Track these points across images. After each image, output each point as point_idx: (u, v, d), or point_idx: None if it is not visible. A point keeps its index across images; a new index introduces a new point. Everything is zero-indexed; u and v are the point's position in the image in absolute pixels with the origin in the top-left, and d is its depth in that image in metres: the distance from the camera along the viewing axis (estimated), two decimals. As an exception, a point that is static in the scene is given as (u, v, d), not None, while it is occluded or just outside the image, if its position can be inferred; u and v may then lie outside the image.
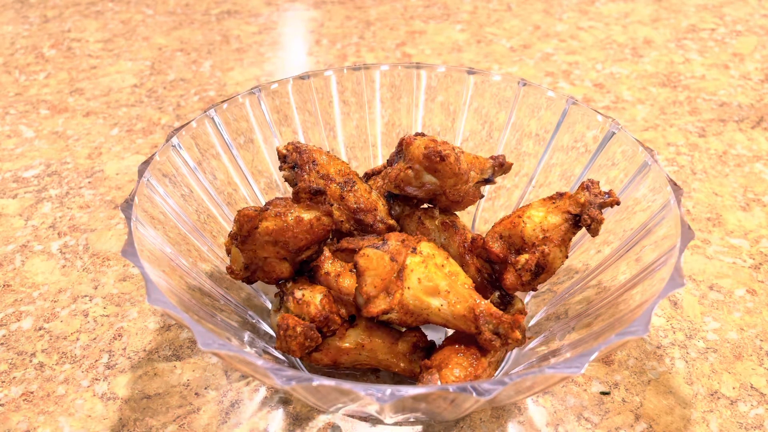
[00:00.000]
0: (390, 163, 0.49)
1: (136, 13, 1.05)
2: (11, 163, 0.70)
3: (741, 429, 0.44)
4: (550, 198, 0.45)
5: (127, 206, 0.39)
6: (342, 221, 0.47)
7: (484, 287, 0.46)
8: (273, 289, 0.50)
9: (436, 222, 0.48)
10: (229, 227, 0.50)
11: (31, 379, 0.47)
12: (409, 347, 0.43)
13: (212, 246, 0.47)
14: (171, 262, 0.40)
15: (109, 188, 0.66)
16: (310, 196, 0.43)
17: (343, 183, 0.47)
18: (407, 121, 0.59)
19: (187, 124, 0.48)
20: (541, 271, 0.43)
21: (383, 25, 0.98)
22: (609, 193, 0.43)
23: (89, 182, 0.67)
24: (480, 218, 0.58)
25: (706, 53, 0.92)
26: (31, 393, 0.46)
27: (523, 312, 0.45)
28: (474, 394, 0.29)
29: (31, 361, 0.48)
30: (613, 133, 0.49)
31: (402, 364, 0.43)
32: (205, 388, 0.46)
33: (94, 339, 0.50)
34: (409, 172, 0.44)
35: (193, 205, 0.47)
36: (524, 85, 0.54)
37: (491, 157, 0.47)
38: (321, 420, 0.44)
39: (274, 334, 0.46)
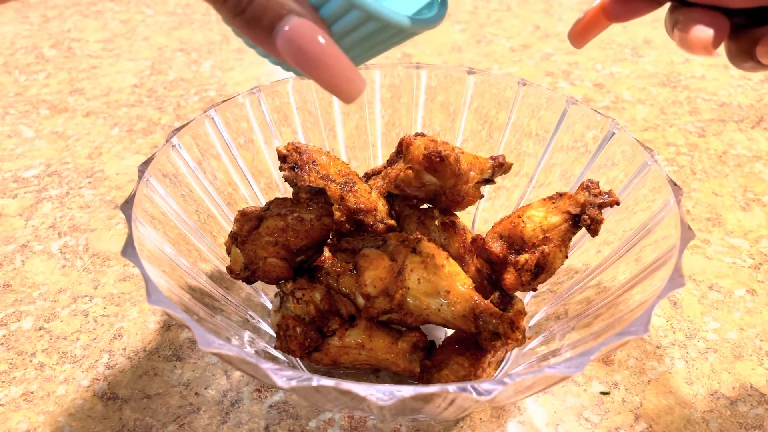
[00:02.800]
0: (390, 163, 0.49)
1: (136, 13, 1.05)
2: (11, 163, 0.70)
3: (741, 429, 0.44)
4: (550, 198, 0.45)
5: (127, 206, 0.39)
6: (342, 221, 0.47)
7: (484, 287, 0.46)
8: (273, 289, 0.50)
9: (436, 222, 0.48)
10: (229, 227, 0.50)
11: (31, 379, 0.47)
12: (409, 347, 0.43)
13: (212, 246, 0.47)
14: (171, 262, 0.40)
15: (109, 188, 0.66)
16: (310, 196, 0.43)
17: (343, 183, 0.47)
18: (407, 121, 0.59)
19: (187, 124, 0.48)
20: (541, 271, 0.43)
21: (383, 25, 0.98)
22: (609, 193, 0.43)
23: (89, 182, 0.67)
24: (480, 218, 0.58)
25: (706, 53, 0.92)
26: (31, 393, 0.46)
27: (523, 312, 0.45)
28: (474, 394, 0.29)
29: (31, 361, 0.48)
30: (613, 133, 0.49)
31: (402, 364, 0.43)
32: (205, 388, 0.46)
33: (94, 339, 0.50)
34: (409, 172, 0.44)
35: (193, 205, 0.47)
36: (524, 85, 0.54)
37: (491, 157, 0.47)
38: (321, 420, 0.44)
39: (274, 334, 0.46)
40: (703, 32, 0.31)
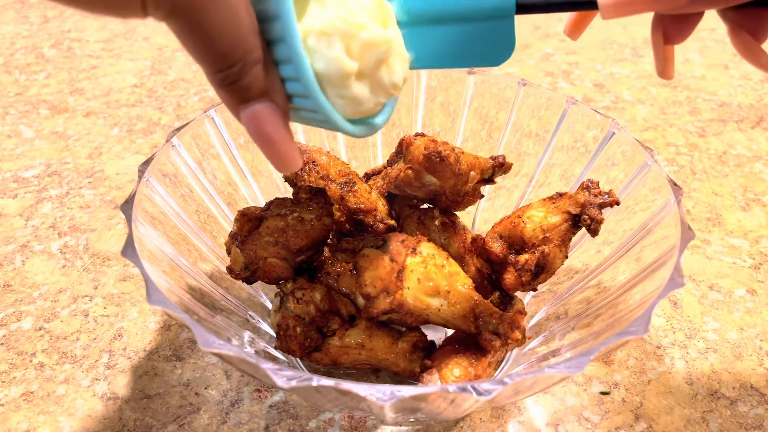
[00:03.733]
0: (390, 163, 0.49)
1: (136, 13, 1.05)
2: (11, 163, 0.70)
3: (741, 429, 0.44)
4: (550, 198, 0.45)
5: (127, 206, 0.39)
6: (342, 221, 0.47)
7: (484, 287, 0.46)
8: (273, 289, 0.50)
9: (436, 222, 0.47)
10: (229, 227, 0.50)
11: (32, 379, 0.47)
12: (409, 347, 0.43)
13: (212, 246, 0.47)
14: (171, 262, 0.40)
15: (109, 188, 0.66)
16: (310, 196, 0.43)
17: (343, 183, 0.47)
18: (407, 121, 0.59)
19: (187, 124, 0.48)
20: (541, 271, 0.43)
21: (383, 25, 0.98)
22: (609, 193, 0.43)
23: (89, 182, 0.67)
24: (480, 218, 0.58)
25: (706, 53, 0.92)
26: (32, 393, 0.46)
27: (522, 312, 0.45)
28: (474, 394, 0.29)
29: (31, 361, 0.48)
30: (613, 133, 0.49)
31: (402, 364, 0.43)
32: (205, 388, 0.46)
33: (94, 339, 0.50)
34: (410, 172, 0.44)
35: (193, 205, 0.47)
36: (524, 85, 0.54)
37: (491, 157, 0.47)
38: (321, 420, 0.44)
39: (274, 334, 0.46)
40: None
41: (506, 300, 0.46)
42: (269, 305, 0.50)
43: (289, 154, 0.31)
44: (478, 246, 0.46)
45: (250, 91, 0.29)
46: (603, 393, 0.46)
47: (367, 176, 0.53)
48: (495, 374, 0.43)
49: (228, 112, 0.51)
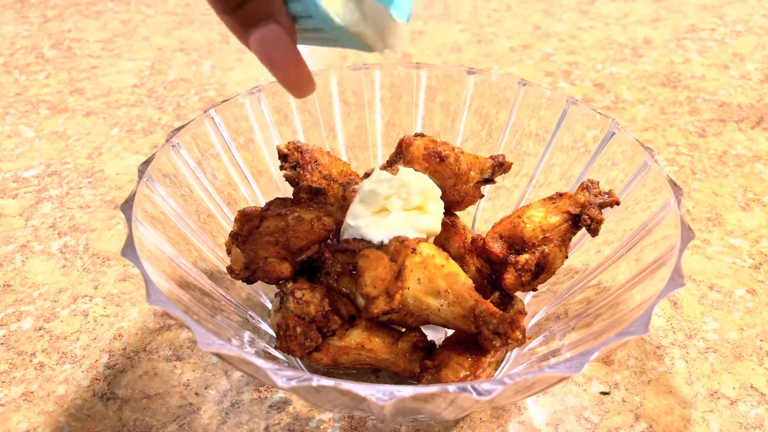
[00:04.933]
0: (390, 163, 0.49)
1: (136, 13, 1.05)
2: (11, 163, 0.70)
3: (741, 429, 0.44)
4: (550, 198, 0.45)
5: (127, 206, 0.39)
6: (342, 221, 0.47)
7: (484, 287, 0.46)
8: (273, 289, 0.50)
9: (436, 222, 0.47)
10: (229, 227, 0.50)
11: (31, 379, 0.47)
12: (409, 347, 0.43)
13: (212, 246, 0.47)
14: (171, 262, 0.40)
15: (109, 188, 0.66)
16: (310, 196, 0.43)
17: (345, 183, 0.47)
18: (407, 121, 0.59)
19: (187, 124, 0.48)
20: (541, 271, 0.43)
21: (383, 25, 0.98)
22: (609, 193, 0.43)
23: (89, 182, 0.67)
24: (480, 218, 0.58)
25: (706, 53, 0.92)
26: (31, 393, 0.46)
27: (523, 312, 0.45)
28: (474, 394, 0.29)
29: (31, 361, 0.48)
30: (613, 133, 0.49)
31: (402, 364, 0.43)
32: (205, 388, 0.46)
33: (94, 339, 0.50)
34: (409, 172, 0.44)
35: (193, 205, 0.47)
36: (524, 85, 0.54)
37: (491, 157, 0.47)
38: (321, 420, 0.44)
39: (274, 334, 0.46)
40: None
41: (506, 300, 0.45)
42: (269, 305, 0.50)
43: (302, 76, 0.31)
44: (478, 246, 0.46)
45: (255, 13, 0.29)
46: (603, 393, 0.46)
47: (367, 176, 0.53)
48: (495, 374, 0.43)
49: (228, 111, 0.51)
